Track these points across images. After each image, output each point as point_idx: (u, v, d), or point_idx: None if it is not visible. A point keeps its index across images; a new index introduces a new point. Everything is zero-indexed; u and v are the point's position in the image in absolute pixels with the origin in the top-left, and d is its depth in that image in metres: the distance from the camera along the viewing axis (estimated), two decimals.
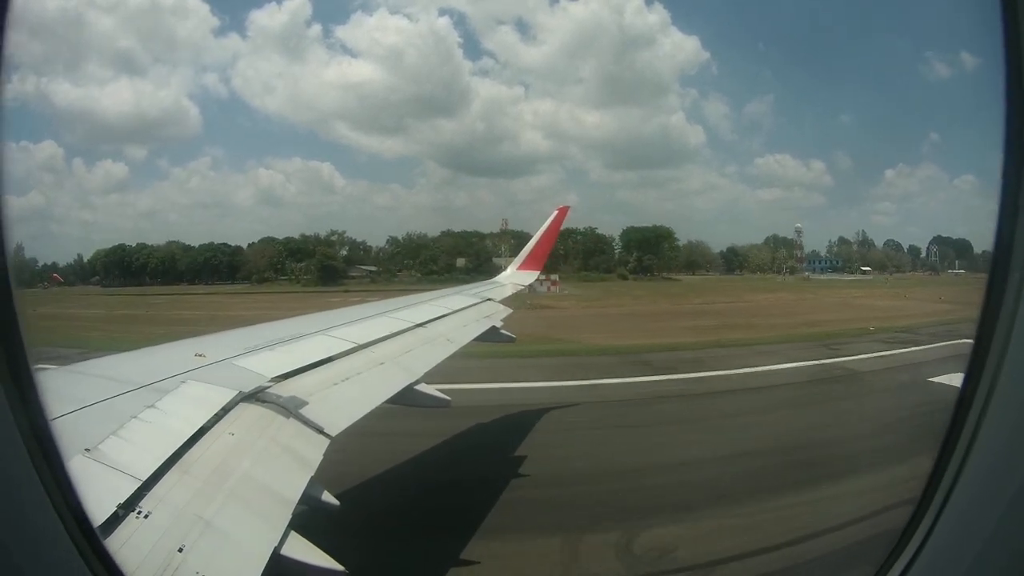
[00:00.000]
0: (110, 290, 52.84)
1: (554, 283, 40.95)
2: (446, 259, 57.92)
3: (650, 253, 60.12)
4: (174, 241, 62.76)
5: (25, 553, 0.69)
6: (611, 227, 65.35)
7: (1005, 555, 1.25)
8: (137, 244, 61.73)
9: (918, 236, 73.26)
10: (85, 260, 62.01)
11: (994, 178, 1.35)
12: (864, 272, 60.76)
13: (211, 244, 62.16)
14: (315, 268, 55.99)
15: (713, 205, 79.55)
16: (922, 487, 1.47)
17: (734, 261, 66.63)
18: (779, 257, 62.48)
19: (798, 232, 61.89)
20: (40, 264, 53.07)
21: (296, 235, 62.11)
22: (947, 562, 1.38)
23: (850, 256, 66.34)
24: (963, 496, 1.35)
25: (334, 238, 62.69)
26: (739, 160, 78.36)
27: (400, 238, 64.55)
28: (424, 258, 59.65)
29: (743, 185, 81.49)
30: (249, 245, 62.60)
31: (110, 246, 61.46)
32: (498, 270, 10.50)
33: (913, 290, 37.65)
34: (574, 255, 59.20)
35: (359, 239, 65.29)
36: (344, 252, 62.63)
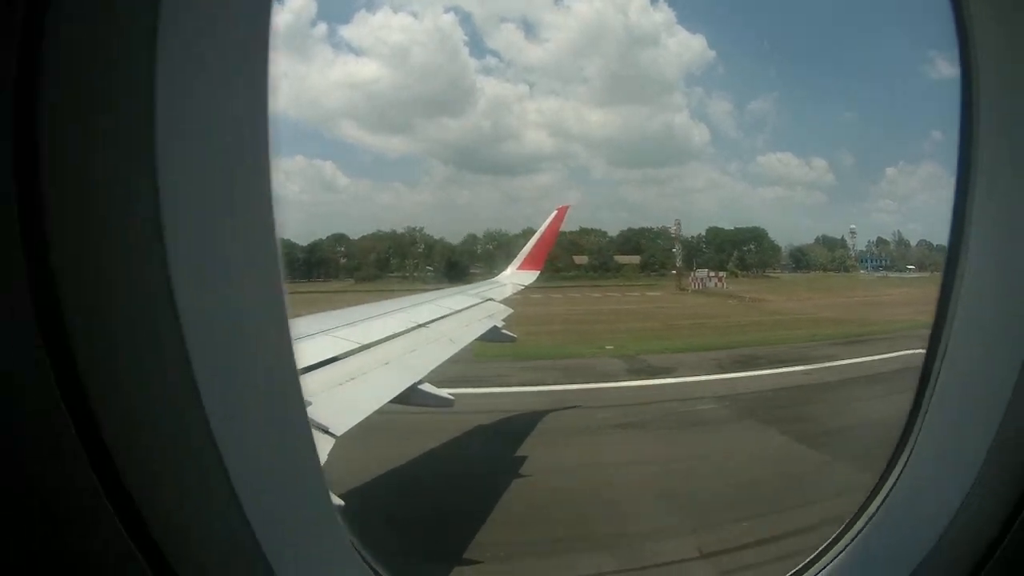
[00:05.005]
0: None
1: (719, 279, 41.16)
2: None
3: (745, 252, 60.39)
4: None
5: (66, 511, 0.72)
6: (612, 225, 64.33)
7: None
8: None
9: (920, 233, 73.07)
10: None
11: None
12: (909, 270, 61.64)
13: (282, 240, 59.91)
14: (442, 264, 52.66)
15: (715, 203, 78.90)
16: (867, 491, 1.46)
17: (801, 260, 67.26)
18: (838, 256, 63.36)
19: (852, 233, 62.50)
20: None
21: (298, 234, 59.99)
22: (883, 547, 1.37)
23: (891, 255, 67.29)
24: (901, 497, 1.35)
25: (415, 235, 60.43)
26: (742, 158, 77.82)
27: (480, 235, 62.26)
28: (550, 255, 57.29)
29: (745, 183, 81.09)
30: (317, 242, 60.59)
31: None
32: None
33: None
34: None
35: (437, 236, 61.62)
36: (421, 249, 60.52)
